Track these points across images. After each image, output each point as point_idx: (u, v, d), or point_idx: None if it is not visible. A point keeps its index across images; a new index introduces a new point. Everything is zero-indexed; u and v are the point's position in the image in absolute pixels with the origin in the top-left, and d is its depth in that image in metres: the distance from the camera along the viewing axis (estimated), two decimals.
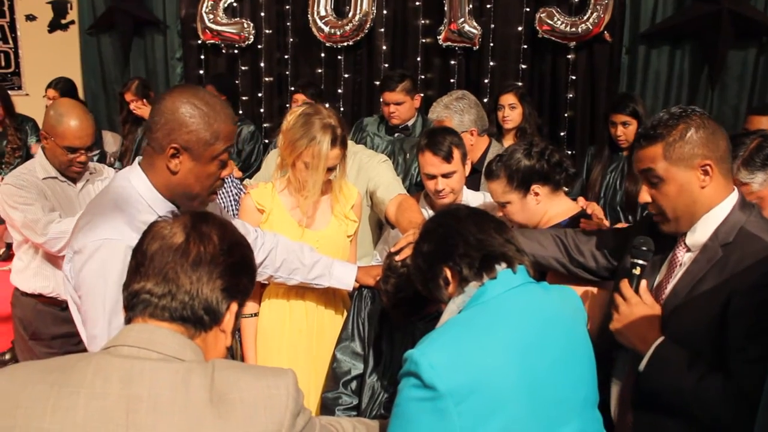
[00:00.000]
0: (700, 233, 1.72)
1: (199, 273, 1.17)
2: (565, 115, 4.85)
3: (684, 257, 1.77)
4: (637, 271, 1.77)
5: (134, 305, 1.17)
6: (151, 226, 1.23)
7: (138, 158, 1.78)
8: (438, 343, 1.36)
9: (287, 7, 5.48)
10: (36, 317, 2.93)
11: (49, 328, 2.92)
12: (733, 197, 1.73)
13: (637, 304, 1.74)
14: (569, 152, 4.70)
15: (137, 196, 1.69)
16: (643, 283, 1.77)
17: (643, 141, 1.74)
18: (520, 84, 4.65)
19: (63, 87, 5.14)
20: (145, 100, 4.75)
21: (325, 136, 2.27)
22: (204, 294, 1.17)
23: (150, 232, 1.22)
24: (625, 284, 1.76)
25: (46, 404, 1.07)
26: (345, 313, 2.50)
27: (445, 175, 2.70)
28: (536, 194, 2.30)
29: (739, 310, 1.58)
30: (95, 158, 4.90)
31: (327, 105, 5.14)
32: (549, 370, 1.41)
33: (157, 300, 1.16)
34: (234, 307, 1.22)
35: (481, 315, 1.42)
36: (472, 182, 3.38)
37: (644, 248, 1.77)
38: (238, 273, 1.23)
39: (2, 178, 5.22)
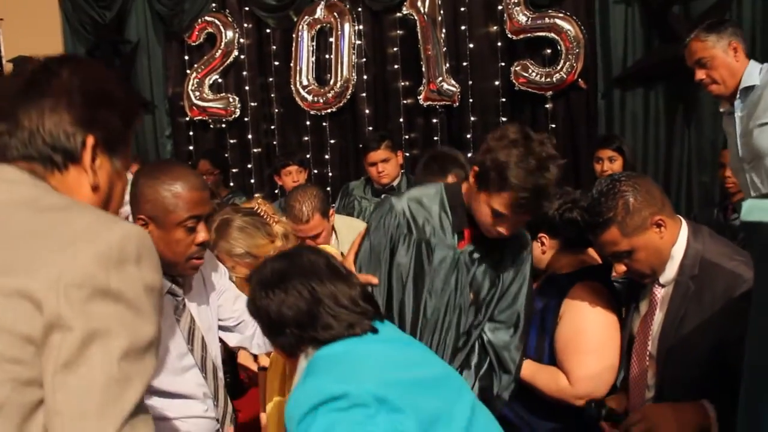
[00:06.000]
0: (668, 270, 1.89)
1: (40, 107, 1.08)
2: None
3: (660, 293, 1.92)
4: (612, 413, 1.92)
5: None
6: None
7: None
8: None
9: (270, 79, 5.64)
10: None
11: None
12: (684, 229, 1.89)
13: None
14: None
15: None
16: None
17: (598, 230, 1.87)
18: None
19: None
20: None
21: None
22: (47, 128, 1.08)
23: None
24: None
25: None
26: None
27: None
28: (542, 243, 2.26)
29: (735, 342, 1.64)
30: None
31: (314, 171, 5.30)
32: None
33: None
34: (90, 140, 1.10)
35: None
36: None
37: (593, 405, 1.94)
38: (93, 105, 1.11)
39: None
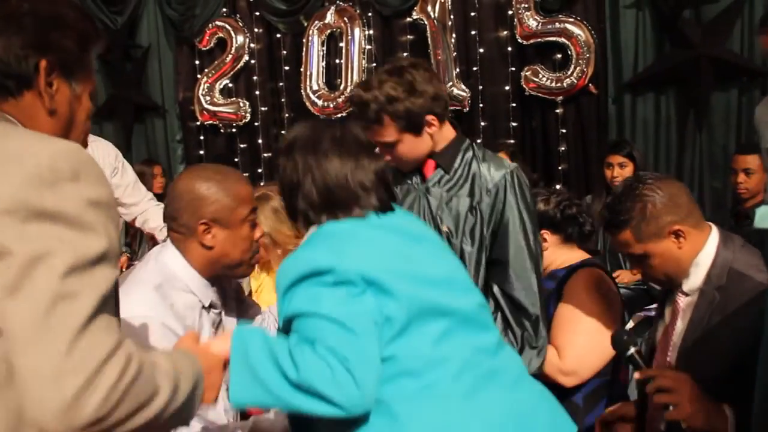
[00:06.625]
0: (693, 278, 1.79)
1: None
2: (560, 168, 4.93)
3: (683, 302, 1.83)
4: (637, 356, 1.71)
5: None
6: None
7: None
8: None
9: (281, 84, 5.65)
10: None
11: None
12: (714, 236, 1.80)
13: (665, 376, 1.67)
14: None
15: (172, 273, 1.72)
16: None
17: (613, 230, 1.82)
18: (511, 142, 4.76)
19: None
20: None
21: None
22: None
23: None
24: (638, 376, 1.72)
25: None
26: None
27: None
28: (544, 240, 2.28)
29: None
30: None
31: None
32: None
33: None
34: (44, 63, 1.09)
35: None
36: None
37: (625, 336, 1.76)
38: (45, 28, 1.10)
39: None
